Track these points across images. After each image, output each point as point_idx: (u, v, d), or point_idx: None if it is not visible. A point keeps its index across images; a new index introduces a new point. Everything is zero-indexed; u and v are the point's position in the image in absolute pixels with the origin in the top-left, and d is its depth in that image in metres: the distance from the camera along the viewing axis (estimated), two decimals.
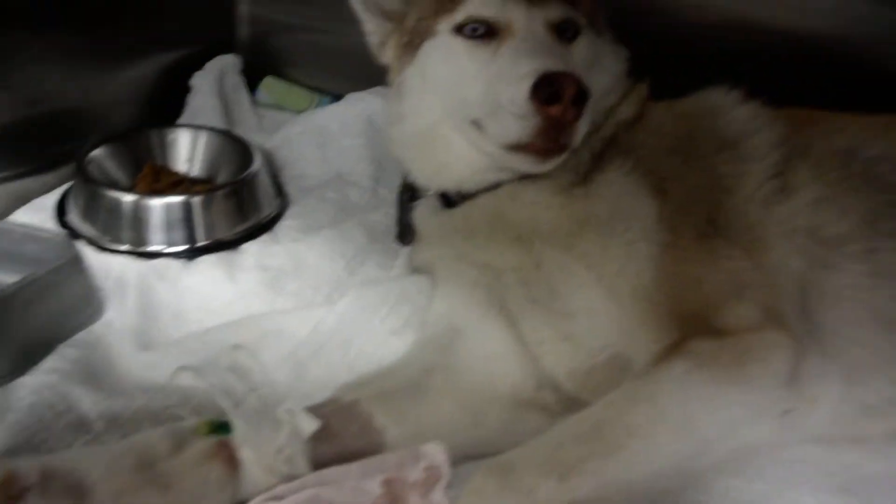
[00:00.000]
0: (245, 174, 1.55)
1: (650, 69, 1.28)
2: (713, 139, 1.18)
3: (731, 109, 1.23)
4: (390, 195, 1.59)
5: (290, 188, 1.71)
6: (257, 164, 1.58)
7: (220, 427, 0.96)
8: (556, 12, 1.14)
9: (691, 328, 0.97)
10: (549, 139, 1.02)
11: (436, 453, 0.91)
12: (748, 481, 1.03)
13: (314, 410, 1.01)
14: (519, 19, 1.11)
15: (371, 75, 1.41)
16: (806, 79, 1.55)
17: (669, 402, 0.89)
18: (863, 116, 1.26)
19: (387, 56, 1.31)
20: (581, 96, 0.99)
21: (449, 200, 1.24)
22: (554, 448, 0.87)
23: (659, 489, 0.87)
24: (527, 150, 1.04)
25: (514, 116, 1.01)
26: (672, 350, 0.95)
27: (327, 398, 1.07)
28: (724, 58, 1.58)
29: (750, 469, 0.98)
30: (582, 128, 1.04)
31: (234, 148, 1.68)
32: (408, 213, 1.38)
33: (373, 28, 1.32)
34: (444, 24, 1.16)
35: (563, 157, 1.07)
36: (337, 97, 1.98)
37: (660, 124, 1.20)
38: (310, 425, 0.97)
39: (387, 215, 1.57)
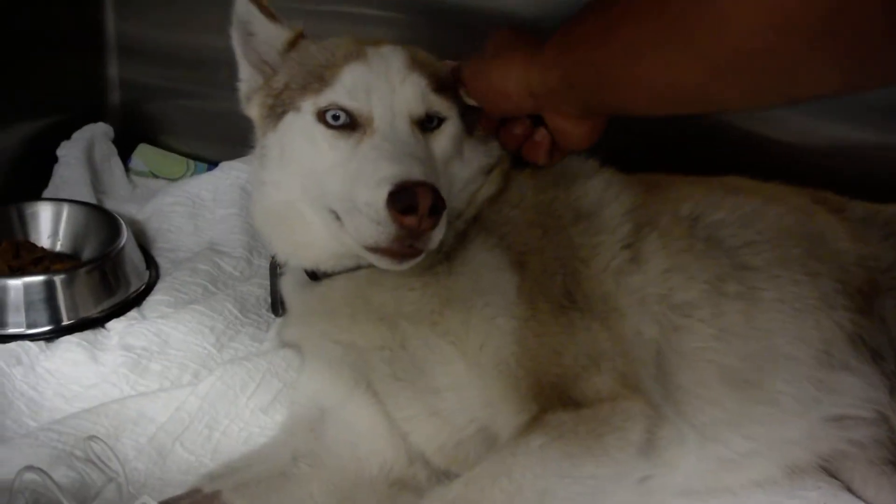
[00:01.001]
0: (110, 249, 1.51)
1: None
2: (570, 210, 1.21)
3: (587, 179, 1.26)
4: (265, 264, 1.57)
5: (162, 260, 1.67)
6: (123, 238, 1.55)
7: None
8: (420, 106, 1.13)
9: (552, 400, 0.99)
10: (404, 245, 1.01)
11: None
12: None
13: (172, 502, 0.98)
14: (381, 114, 1.10)
15: (247, 141, 1.38)
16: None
17: (526, 477, 0.90)
18: (707, 179, 1.33)
19: (251, 111, 1.27)
20: (437, 207, 0.98)
21: (314, 274, 1.23)
22: None
23: None
24: (382, 252, 1.03)
25: (371, 220, 1.00)
26: (531, 423, 0.97)
27: (189, 488, 1.03)
28: None
29: None
30: (438, 234, 1.03)
31: (100, 221, 1.64)
32: (279, 283, 1.37)
33: (245, 76, 1.27)
34: (309, 104, 1.13)
35: (419, 259, 1.06)
36: (213, 164, 1.95)
37: (521, 196, 1.21)
38: None
39: (260, 286, 1.55)
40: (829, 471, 1.26)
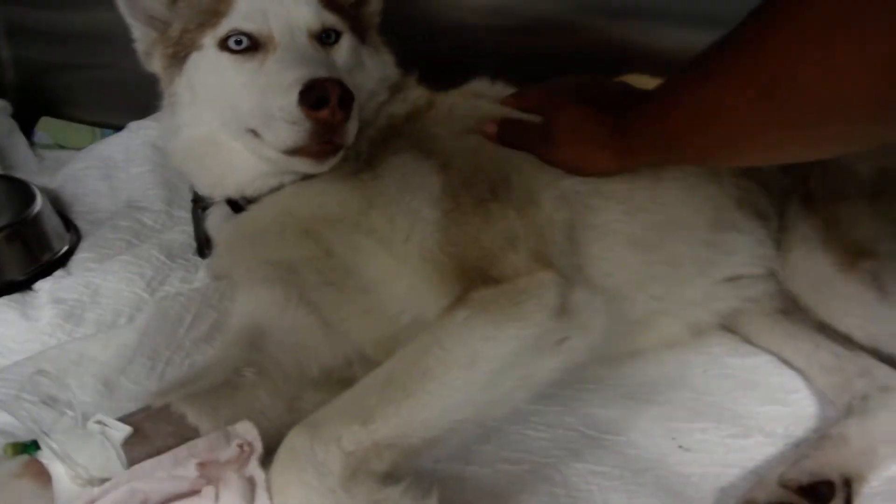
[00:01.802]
0: (24, 214, 1.52)
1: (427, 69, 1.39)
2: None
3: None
4: (186, 215, 1.59)
5: (81, 223, 1.68)
6: (38, 202, 1.55)
7: (28, 447, 0.94)
8: (316, 21, 1.19)
9: (474, 281, 1.07)
10: (322, 141, 1.08)
11: (246, 430, 0.95)
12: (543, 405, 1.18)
13: (125, 419, 1.02)
14: (281, 31, 1.16)
15: (151, 104, 1.40)
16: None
17: (455, 344, 0.97)
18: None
19: (154, 66, 1.31)
20: (346, 98, 1.05)
21: (237, 206, 1.27)
22: (357, 399, 0.94)
23: (456, 420, 0.96)
24: (303, 153, 1.10)
25: (287, 123, 1.06)
26: (456, 302, 1.05)
27: (139, 408, 1.08)
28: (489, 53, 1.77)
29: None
30: (352, 127, 1.11)
31: (12, 190, 1.64)
32: (202, 224, 1.41)
33: (139, 35, 1.31)
34: (209, 38, 1.19)
35: (339, 156, 1.14)
36: (118, 129, 1.95)
37: (451, 108, 1.31)
38: (121, 431, 0.98)
39: (184, 233, 1.58)
40: (728, 327, 1.40)
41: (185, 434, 1.03)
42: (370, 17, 1.38)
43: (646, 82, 1.36)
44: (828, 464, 1.06)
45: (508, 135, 1.27)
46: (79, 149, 1.99)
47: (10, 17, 2.11)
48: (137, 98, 1.48)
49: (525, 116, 1.31)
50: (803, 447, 1.12)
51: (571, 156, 1.23)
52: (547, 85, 1.36)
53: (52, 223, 1.59)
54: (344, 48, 1.23)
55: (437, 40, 1.87)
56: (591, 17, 1.82)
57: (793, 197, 1.33)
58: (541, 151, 1.25)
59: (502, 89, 1.42)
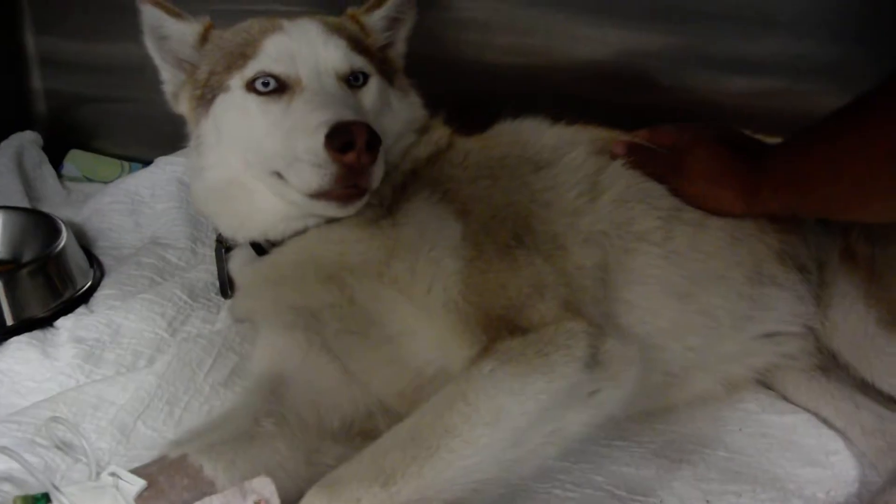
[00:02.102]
0: (50, 249, 1.51)
1: (454, 109, 1.38)
2: (528, 163, 1.29)
3: (540, 135, 1.35)
4: (210, 253, 1.59)
5: (105, 258, 1.67)
6: (63, 238, 1.54)
7: (38, 500, 0.92)
8: (345, 64, 1.19)
9: (500, 331, 1.04)
10: (347, 185, 1.07)
11: (263, 486, 0.92)
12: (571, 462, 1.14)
13: (140, 470, 0.99)
14: (308, 74, 1.15)
15: (179, 138, 1.40)
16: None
17: (480, 399, 0.94)
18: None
19: (181, 107, 1.32)
20: (373, 142, 1.04)
21: (260, 248, 1.26)
22: (378, 458, 0.90)
23: (481, 480, 0.92)
24: (328, 196, 1.08)
25: (313, 166, 1.05)
26: (481, 353, 1.02)
27: (154, 458, 1.05)
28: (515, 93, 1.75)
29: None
30: (378, 171, 1.10)
31: (38, 225, 1.63)
32: (226, 265, 1.39)
33: (168, 77, 1.33)
34: (236, 80, 1.19)
35: (364, 200, 1.13)
36: (147, 163, 1.95)
37: (466, 155, 1.28)
38: (135, 485, 0.95)
39: (207, 271, 1.56)
40: (765, 383, 1.35)
41: (201, 488, 1.00)
42: (396, 60, 1.37)
43: None
44: None
45: (637, 156, 1.29)
46: (106, 182, 2.00)
47: (41, 49, 2.13)
48: (166, 132, 1.48)
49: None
50: None
51: (701, 190, 1.25)
52: (681, 124, 1.37)
53: (77, 259, 1.58)
54: (372, 90, 1.22)
55: (467, 80, 1.87)
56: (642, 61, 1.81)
57: (833, 252, 1.29)
58: (670, 179, 1.27)
59: (546, 124, 1.39)
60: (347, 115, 1.06)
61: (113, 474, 0.97)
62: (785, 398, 1.33)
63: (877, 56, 1.62)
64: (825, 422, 1.27)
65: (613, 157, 1.30)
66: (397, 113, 1.28)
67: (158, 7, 1.28)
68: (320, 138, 1.03)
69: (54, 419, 1.12)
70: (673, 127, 1.36)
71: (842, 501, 1.12)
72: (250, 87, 1.17)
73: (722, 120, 1.40)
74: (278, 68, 1.16)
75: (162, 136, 1.61)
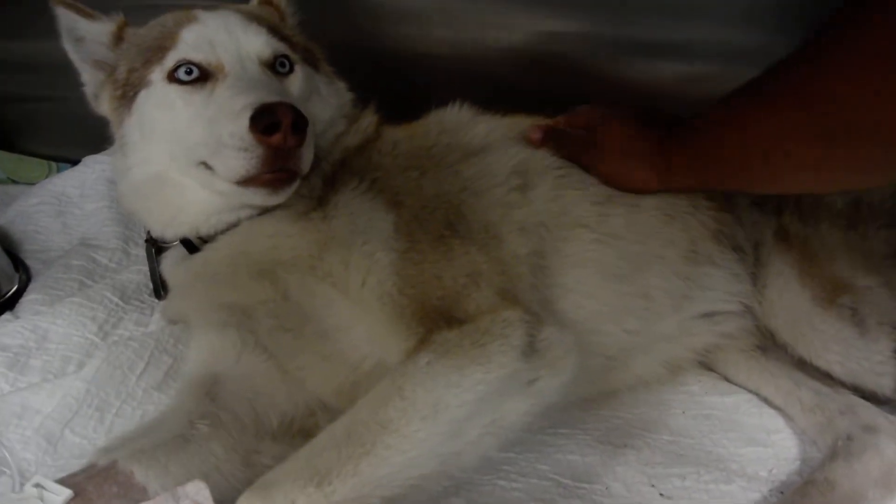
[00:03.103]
0: None
1: (381, 97, 1.35)
2: (457, 150, 1.27)
3: (471, 124, 1.33)
4: (142, 253, 1.53)
5: (32, 262, 1.60)
6: None
7: None
8: (267, 49, 1.16)
9: (437, 322, 1.02)
10: (275, 168, 1.03)
11: (197, 491, 0.88)
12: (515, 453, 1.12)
13: (67, 480, 0.95)
14: (230, 60, 1.12)
15: (107, 137, 1.35)
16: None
17: (417, 392, 0.91)
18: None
19: (103, 108, 1.27)
20: (300, 123, 1.01)
21: (192, 246, 1.21)
22: (312, 457, 0.87)
23: (420, 476, 0.89)
24: (257, 182, 1.05)
25: (238, 150, 1.02)
26: (418, 345, 1.00)
27: (83, 466, 1.01)
28: (444, 79, 1.74)
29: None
30: (307, 154, 1.07)
31: None
32: (158, 265, 1.34)
33: (87, 78, 1.28)
34: (157, 73, 1.15)
35: (294, 185, 1.09)
36: (74, 163, 1.87)
37: (394, 145, 1.26)
38: (60, 495, 0.91)
39: (140, 272, 1.51)
40: (706, 364, 1.35)
41: (132, 495, 0.97)
42: (316, 47, 1.34)
43: None
44: None
45: (552, 140, 1.27)
46: (32, 183, 1.92)
47: None
48: (93, 131, 1.42)
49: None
50: (788, 493, 1.08)
51: (613, 168, 1.23)
52: (597, 104, 1.35)
53: (1, 263, 1.51)
54: (298, 77, 1.19)
55: (407, 73, 1.85)
56: (566, 48, 1.81)
57: (767, 230, 1.30)
58: (584, 159, 1.26)
59: (473, 113, 1.37)
60: (272, 97, 1.03)
61: (37, 485, 0.92)
62: (726, 379, 1.34)
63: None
64: (766, 401, 1.28)
65: (529, 142, 1.29)
66: (326, 98, 1.25)
67: (71, 9, 1.24)
68: (245, 121, 0.99)
69: None
70: (587, 107, 1.35)
71: (784, 479, 1.13)
72: (171, 77, 1.12)
73: (658, 105, 1.39)
74: (199, 56, 1.12)
75: (89, 134, 1.55)
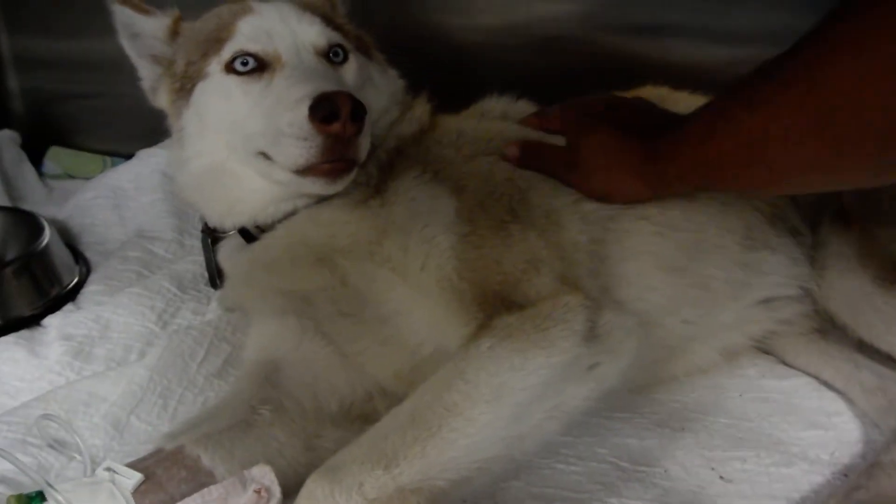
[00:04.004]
0: (33, 247, 1.48)
1: (430, 86, 1.35)
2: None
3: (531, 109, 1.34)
4: (197, 244, 1.56)
5: (91, 254, 1.64)
6: (46, 235, 1.52)
7: (32, 499, 0.90)
8: (322, 39, 1.17)
9: (497, 307, 1.02)
10: (334, 157, 1.04)
11: (263, 474, 0.91)
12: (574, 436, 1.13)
13: (136, 464, 0.97)
14: (287, 50, 1.13)
15: (160, 130, 1.38)
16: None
17: (480, 376, 0.92)
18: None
19: (160, 101, 1.29)
20: (358, 111, 1.02)
21: (250, 236, 1.23)
22: (378, 440, 0.88)
23: (485, 459, 0.90)
24: (315, 171, 1.06)
25: (297, 139, 1.03)
26: (478, 330, 1.00)
27: (150, 451, 1.03)
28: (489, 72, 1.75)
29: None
30: (364, 142, 1.08)
31: (20, 223, 1.61)
32: (214, 255, 1.36)
33: (145, 73, 1.31)
34: (214, 65, 1.17)
35: (353, 174, 1.10)
36: (129, 158, 1.92)
37: (459, 133, 1.26)
38: (131, 479, 0.93)
39: (195, 263, 1.54)
40: (763, 349, 1.34)
41: (200, 479, 0.99)
42: (367, 35, 1.35)
43: (663, 95, 1.31)
44: (882, 494, 1.00)
45: (531, 158, 1.22)
46: (88, 178, 1.96)
47: (17, 47, 2.10)
48: (147, 125, 1.46)
49: (549, 138, 1.26)
50: (853, 476, 1.06)
51: (600, 184, 1.18)
52: (571, 104, 1.30)
53: (61, 256, 1.55)
54: (353, 66, 1.20)
55: (449, 61, 1.85)
56: (600, 33, 1.80)
57: (825, 212, 1.27)
58: (566, 178, 1.20)
59: (513, 105, 1.38)
60: (330, 86, 1.04)
61: (108, 469, 0.95)
62: (784, 362, 1.32)
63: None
64: (825, 384, 1.27)
65: (505, 159, 1.22)
66: (380, 87, 1.26)
67: (127, 5, 1.27)
68: (304, 110, 1.00)
69: (46, 417, 1.10)
70: (559, 108, 1.30)
71: (846, 462, 1.12)
72: (229, 68, 1.14)
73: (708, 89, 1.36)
74: (255, 47, 1.13)
75: (142, 128, 1.60)
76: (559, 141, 1.24)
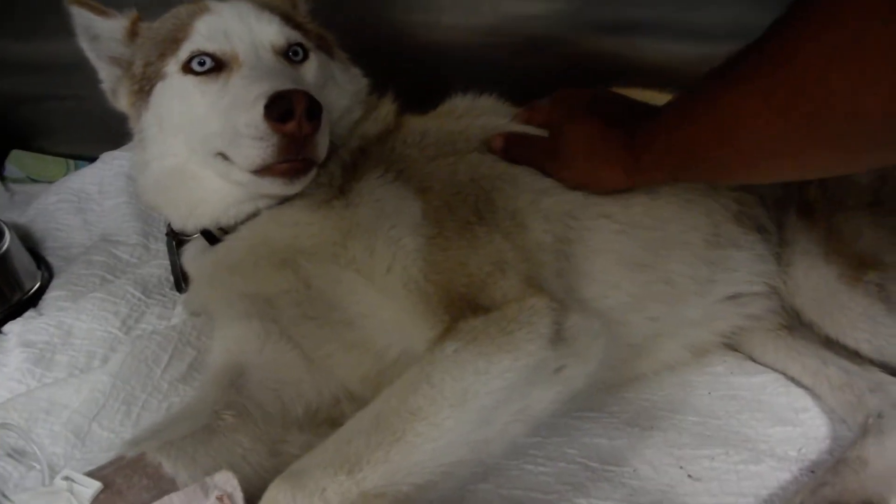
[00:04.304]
0: None
1: (396, 85, 1.34)
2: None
3: (497, 108, 1.35)
4: (163, 247, 1.54)
5: (54, 259, 1.61)
6: (6, 240, 1.49)
7: None
8: (281, 38, 1.16)
9: (463, 310, 1.01)
10: (291, 157, 1.03)
11: (225, 481, 0.89)
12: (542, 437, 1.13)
13: (95, 473, 0.95)
14: (244, 49, 1.12)
15: (124, 133, 1.35)
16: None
17: (445, 380, 0.91)
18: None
19: (121, 104, 1.28)
20: (314, 110, 1.01)
21: (213, 238, 1.21)
22: (342, 445, 0.87)
23: (450, 463, 0.89)
24: (273, 171, 1.05)
25: (254, 139, 1.02)
26: (444, 333, 0.99)
27: (111, 458, 1.01)
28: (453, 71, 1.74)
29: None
30: (323, 141, 1.07)
31: None
32: (179, 258, 1.34)
33: (105, 75, 1.29)
34: (172, 66, 1.15)
35: (311, 174, 1.09)
36: (92, 161, 1.88)
37: (423, 134, 1.25)
38: (90, 488, 0.91)
39: (160, 267, 1.52)
40: (731, 345, 1.34)
41: (161, 486, 0.97)
42: (329, 34, 1.34)
43: (649, 96, 1.31)
44: (848, 490, 1.00)
45: (514, 149, 1.22)
46: (51, 182, 1.93)
47: None
48: (110, 128, 1.43)
49: (533, 130, 1.27)
50: (820, 473, 1.06)
51: (579, 172, 1.18)
52: (555, 98, 1.30)
53: (22, 261, 1.52)
54: (313, 65, 1.19)
55: (420, 60, 1.84)
56: (570, 31, 1.80)
57: (790, 209, 1.28)
58: (547, 166, 1.20)
59: (477, 102, 1.38)
60: (286, 85, 1.02)
61: (67, 478, 0.93)
62: (752, 359, 1.33)
63: None
64: (793, 380, 1.27)
65: (490, 150, 1.23)
66: (342, 85, 1.25)
67: (85, 7, 1.25)
68: (259, 109, 0.99)
69: (4, 426, 1.08)
70: (548, 101, 1.30)
71: (814, 458, 1.12)
72: (187, 68, 1.13)
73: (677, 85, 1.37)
74: (213, 46, 1.12)
75: (106, 131, 1.57)
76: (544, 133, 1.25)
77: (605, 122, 1.16)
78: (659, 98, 1.22)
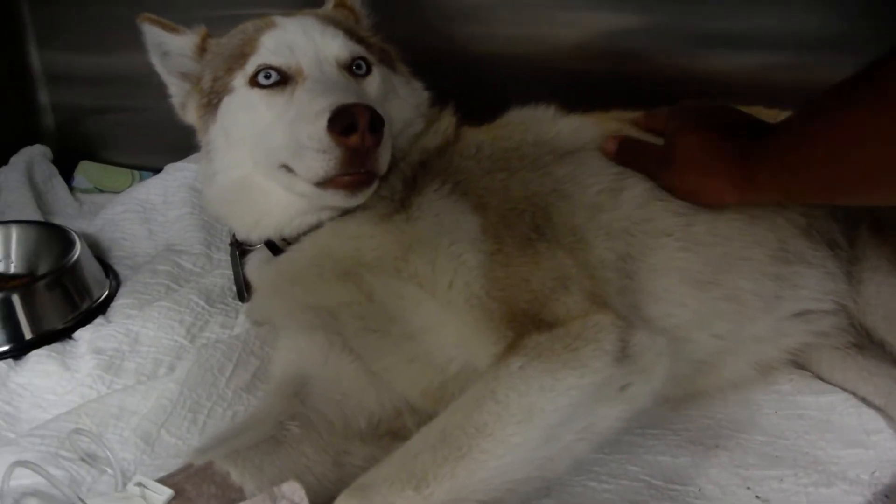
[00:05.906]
0: (65, 261, 1.49)
1: (457, 99, 1.35)
2: (548, 150, 1.26)
3: (553, 122, 1.32)
4: (225, 257, 1.57)
5: (120, 268, 1.66)
6: (77, 249, 1.53)
7: None
8: (344, 52, 1.18)
9: (526, 326, 1.01)
10: (353, 169, 1.05)
11: (293, 491, 0.90)
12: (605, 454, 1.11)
13: (166, 479, 0.97)
14: (309, 63, 1.14)
15: (187, 145, 1.40)
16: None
17: (511, 396, 0.91)
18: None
19: (189, 117, 1.31)
20: (376, 123, 1.02)
21: (276, 248, 1.23)
22: (408, 460, 0.87)
23: (515, 480, 0.89)
24: (335, 184, 1.06)
25: (317, 152, 1.03)
26: (508, 349, 0.99)
27: (180, 466, 1.03)
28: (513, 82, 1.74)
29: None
30: (385, 154, 1.08)
31: (52, 238, 1.63)
32: (242, 268, 1.37)
33: (174, 90, 1.33)
34: (239, 79, 1.18)
35: (373, 186, 1.10)
36: (157, 172, 1.94)
37: (478, 147, 1.25)
38: (162, 494, 0.93)
39: (223, 276, 1.55)
40: (798, 363, 1.31)
41: (230, 495, 0.99)
42: (392, 48, 1.35)
43: (767, 115, 1.29)
44: None
45: (627, 154, 1.23)
46: (117, 192, 1.99)
47: (47, 63, 2.14)
48: (175, 140, 1.48)
49: (647, 137, 1.27)
50: (894, 497, 1.03)
51: (688, 183, 1.18)
52: (673, 108, 1.29)
53: (92, 269, 1.57)
54: (376, 79, 1.21)
55: (474, 73, 1.85)
56: (626, 43, 1.79)
57: (862, 225, 1.25)
58: (658, 174, 1.20)
59: (536, 113, 1.36)
60: (349, 98, 1.04)
61: (139, 484, 0.95)
62: (820, 378, 1.30)
63: (884, 29, 1.59)
64: (864, 400, 1.24)
65: (603, 153, 1.25)
66: (404, 99, 1.26)
67: (156, 25, 1.30)
68: (323, 123, 1.01)
69: (77, 431, 1.10)
70: (666, 110, 1.29)
71: (887, 482, 1.09)
72: (253, 82, 1.15)
73: (730, 95, 1.34)
74: (278, 60, 1.14)
75: (170, 143, 1.62)
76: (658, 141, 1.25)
77: (721, 136, 1.15)
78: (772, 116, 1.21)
